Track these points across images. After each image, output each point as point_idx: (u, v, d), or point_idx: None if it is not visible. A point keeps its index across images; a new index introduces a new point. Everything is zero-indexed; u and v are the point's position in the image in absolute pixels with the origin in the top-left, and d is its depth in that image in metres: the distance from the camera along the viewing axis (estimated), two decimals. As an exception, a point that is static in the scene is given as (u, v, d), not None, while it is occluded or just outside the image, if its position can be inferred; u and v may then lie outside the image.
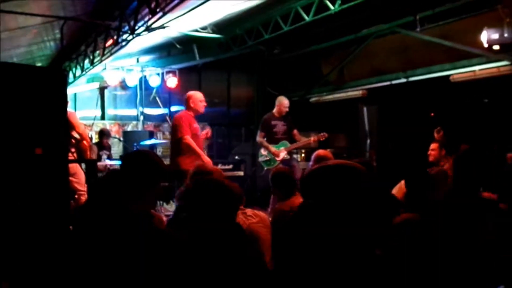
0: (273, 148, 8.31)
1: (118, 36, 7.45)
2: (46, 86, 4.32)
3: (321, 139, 8.48)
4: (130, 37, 7.45)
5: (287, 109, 8.50)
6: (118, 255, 2.41)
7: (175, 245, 2.46)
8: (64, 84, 4.62)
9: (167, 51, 12.04)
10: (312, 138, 8.51)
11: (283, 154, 8.29)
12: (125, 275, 2.39)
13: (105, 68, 11.46)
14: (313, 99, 12.98)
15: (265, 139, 8.42)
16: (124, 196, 2.58)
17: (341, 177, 1.92)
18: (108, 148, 10.58)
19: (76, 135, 7.53)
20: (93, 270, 2.46)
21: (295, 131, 8.58)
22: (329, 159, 5.15)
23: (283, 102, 8.56)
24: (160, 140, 11.97)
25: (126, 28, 7.24)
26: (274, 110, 8.56)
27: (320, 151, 5.68)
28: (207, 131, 7.67)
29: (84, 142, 6.70)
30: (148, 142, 10.08)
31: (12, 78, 4.09)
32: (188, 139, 7.04)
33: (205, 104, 7.35)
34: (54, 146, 4.31)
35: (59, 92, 4.43)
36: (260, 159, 8.59)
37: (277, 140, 8.41)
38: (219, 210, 2.74)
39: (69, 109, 8.40)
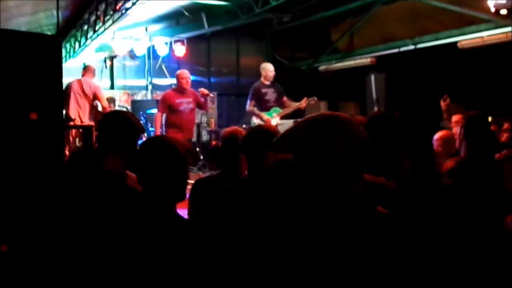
0: (265, 115, 8.29)
1: (116, 3, 7.42)
2: (40, 53, 4.36)
3: (311, 103, 8.40)
4: (130, 4, 7.42)
5: (273, 73, 8.44)
6: (93, 215, 2.45)
7: (147, 205, 2.49)
8: (58, 50, 4.65)
9: (175, 20, 12.00)
10: (303, 102, 8.44)
11: (276, 120, 8.28)
12: (100, 234, 2.43)
13: (113, 38, 11.45)
14: (322, 68, 12.90)
15: (255, 108, 8.39)
16: (100, 156, 2.61)
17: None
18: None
19: (100, 108, 7.97)
20: (74, 230, 2.51)
21: (285, 98, 8.54)
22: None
23: (267, 67, 8.53)
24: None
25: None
26: (262, 78, 8.50)
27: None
28: (201, 90, 8.15)
29: None
30: (154, 110, 10.09)
31: (6, 44, 4.11)
32: (156, 114, 8.05)
33: (188, 81, 7.97)
34: (49, 111, 4.37)
35: (53, 59, 4.46)
36: (253, 127, 8.58)
37: (269, 107, 8.38)
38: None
39: (95, 81, 8.93)
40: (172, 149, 2.27)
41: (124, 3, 7.49)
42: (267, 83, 8.43)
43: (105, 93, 11.64)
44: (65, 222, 2.60)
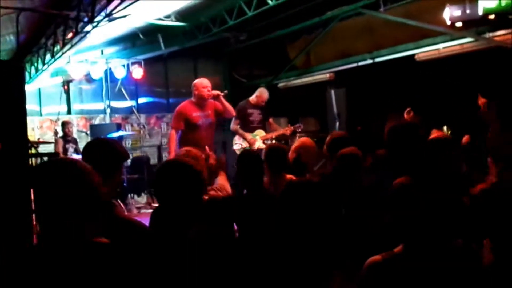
0: (249, 136, 8.20)
1: (77, 26, 7.28)
2: (2, 80, 4.22)
3: (297, 130, 8.40)
4: (90, 27, 7.29)
5: (264, 104, 8.39)
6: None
7: (138, 233, 2.41)
8: (21, 77, 4.52)
9: (132, 42, 11.84)
10: (288, 129, 8.42)
11: (258, 143, 8.18)
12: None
13: (69, 62, 11.24)
14: (281, 85, 12.95)
15: (239, 126, 8.28)
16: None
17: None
18: (75, 142, 10.42)
19: None
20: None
21: (271, 120, 8.48)
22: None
23: (263, 95, 8.34)
24: (128, 132, 11.85)
25: (86, 18, 7.07)
26: (251, 98, 8.38)
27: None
28: (216, 93, 7.00)
29: None
30: (116, 134, 9.95)
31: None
32: (171, 132, 7.02)
33: (209, 90, 6.88)
34: (13, 141, 4.22)
35: (16, 86, 4.32)
36: (235, 147, 8.42)
37: (253, 128, 8.29)
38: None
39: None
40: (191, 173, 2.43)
41: (84, 26, 7.34)
42: (254, 103, 8.35)
43: (63, 119, 11.48)
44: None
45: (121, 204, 3.09)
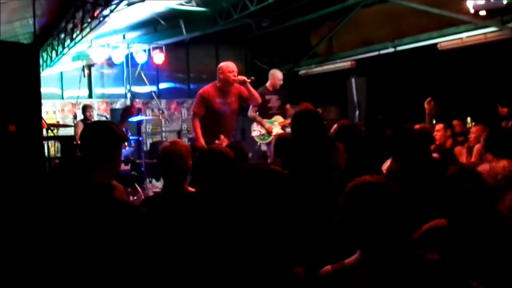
0: (267, 123, 8.14)
1: (94, 10, 7.29)
2: (17, 62, 4.24)
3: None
4: (108, 11, 7.29)
5: (281, 82, 8.28)
6: (79, 228, 2.37)
7: (136, 217, 2.41)
8: (36, 60, 4.54)
9: (153, 27, 11.85)
10: None
11: (277, 129, 8.12)
12: (87, 247, 2.35)
13: (90, 46, 11.29)
14: (302, 72, 12.88)
15: (257, 113, 8.22)
16: (83, 168, 2.53)
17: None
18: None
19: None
20: (59, 244, 2.42)
21: (288, 106, 8.39)
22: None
23: (276, 75, 8.32)
24: (147, 117, 11.89)
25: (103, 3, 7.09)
26: (268, 84, 8.33)
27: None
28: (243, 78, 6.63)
29: None
30: (135, 118, 9.97)
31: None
32: (194, 118, 6.61)
33: (235, 74, 6.52)
34: (28, 123, 4.25)
35: (30, 68, 4.35)
36: (254, 134, 8.36)
37: (271, 115, 8.22)
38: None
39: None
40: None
41: (102, 10, 7.35)
42: (272, 89, 8.29)
43: (84, 102, 11.56)
44: (50, 238, 2.49)
45: (120, 187, 3.09)
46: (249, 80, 6.66)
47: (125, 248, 2.28)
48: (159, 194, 3.68)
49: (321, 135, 3.90)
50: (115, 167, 2.69)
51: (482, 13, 8.08)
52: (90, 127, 2.85)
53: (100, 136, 2.63)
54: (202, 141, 6.28)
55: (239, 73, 6.67)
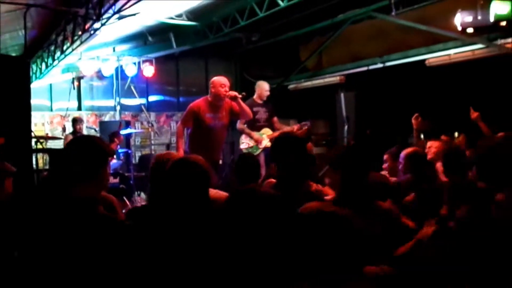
0: (256, 135, 8.15)
1: (85, 23, 7.30)
2: (7, 75, 4.26)
3: (304, 128, 8.05)
4: (99, 24, 7.31)
5: (268, 93, 8.34)
6: (62, 243, 2.37)
7: (121, 231, 2.42)
8: (26, 72, 4.56)
9: (143, 40, 11.89)
10: (294, 127, 8.28)
11: (265, 142, 8.14)
12: (70, 261, 2.35)
13: (80, 58, 11.31)
14: (291, 86, 12.93)
15: (245, 125, 8.23)
16: (68, 182, 2.53)
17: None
18: (84, 138, 10.47)
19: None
20: (41, 259, 2.42)
21: (275, 119, 8.43)
22: None
23: (263, 86, 8.39)
24: (136, 130, 11.88)
25: (94, 16, 7.08)
26: (255, 96, 8.37)
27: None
28: (234, 94, 6.68)
29: None
30: (124, 131, 9.96)
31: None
32: (178, 128, 6.83)
33: (227, 89, 6.59)
34: (17, 136, 4.25)
35: (20, 81, 4.36)
36: (242, 146, 8.37)
37: (259, 127, 8.25)
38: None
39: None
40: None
41: (93, 24, 7.36)
42: (260, 101, 8.30)
43: (73, 115, 11.54)
44: (32, 251, 2.50)
45: (111, 198, 3.10)
46: (240, 96, 6.70)
47: (106, 262, 2.28)
48: (145, 205, 3.68)
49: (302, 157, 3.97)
50: (101, 180, 2.69)
51: (470, 30, 8.15)
52: (74, 141, 2.85)
53: (85, 151, 2.63)
54: (181, 151, 6.37)
55: (230, 88, 6.73)
